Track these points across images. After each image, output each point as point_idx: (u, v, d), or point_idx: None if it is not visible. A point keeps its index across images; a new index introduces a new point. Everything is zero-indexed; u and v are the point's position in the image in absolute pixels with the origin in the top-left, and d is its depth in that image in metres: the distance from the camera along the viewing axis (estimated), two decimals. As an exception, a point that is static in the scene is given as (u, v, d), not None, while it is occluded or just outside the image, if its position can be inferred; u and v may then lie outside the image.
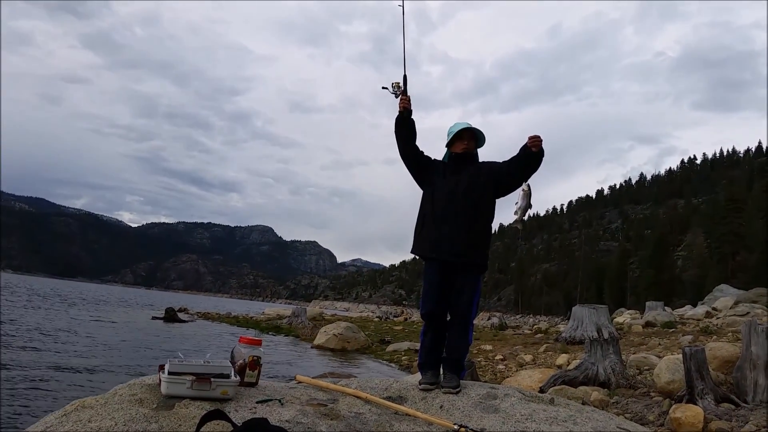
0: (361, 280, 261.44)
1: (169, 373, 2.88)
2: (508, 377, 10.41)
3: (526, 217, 3.87)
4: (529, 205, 3.77)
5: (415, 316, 41.07)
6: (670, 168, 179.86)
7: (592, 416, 3.35)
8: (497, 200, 3.99)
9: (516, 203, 3.81)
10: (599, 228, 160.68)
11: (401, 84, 4.04)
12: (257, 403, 2.99)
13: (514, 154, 3.86)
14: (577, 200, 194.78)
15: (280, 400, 3.06)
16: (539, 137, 3.70)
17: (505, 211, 4.14)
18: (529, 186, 3.75)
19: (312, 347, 17.39)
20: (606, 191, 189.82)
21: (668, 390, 6.99)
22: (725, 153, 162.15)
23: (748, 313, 17.36)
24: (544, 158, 3.77)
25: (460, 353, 3.84)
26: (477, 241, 3.82)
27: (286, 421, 2.78)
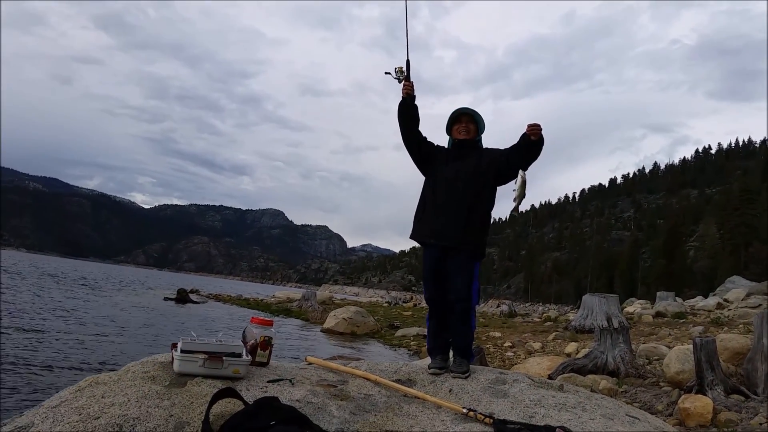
0: (371, 265, 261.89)
1: (182, 351, 2.91)
2: (516, 364, 10.43)
3: (521, 206, 3.85)
4: (523, 194, 3.74)
5: (424, 302, 41.13)
6: (684, 157, 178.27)
7: (601, 403, 3.35)
8: (499, 189, 3.97)
9: (513, 190, 3.79)
10: (611, 217, 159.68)
11: (404, 69, 4.00)
12: (268, 382, 3.02)
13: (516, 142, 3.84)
14: (589, 189, 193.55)
15: (290, 380, 3.08)
16: (538, 125, 3.67)
17: (507, 202, 4.07)
18: (524, 174, 3.73)
19: (321, 331, 17.48)
20: (619, 180, 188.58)
21: (677, 380, 6.98)
22: (740, 143, 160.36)
23: (760, 305, 17.23)
24: (545, 146, 3.74)
25: (464, 339, 3.85)
26: (474, 228, 3.82)
27: (297, 400, 2.80)
